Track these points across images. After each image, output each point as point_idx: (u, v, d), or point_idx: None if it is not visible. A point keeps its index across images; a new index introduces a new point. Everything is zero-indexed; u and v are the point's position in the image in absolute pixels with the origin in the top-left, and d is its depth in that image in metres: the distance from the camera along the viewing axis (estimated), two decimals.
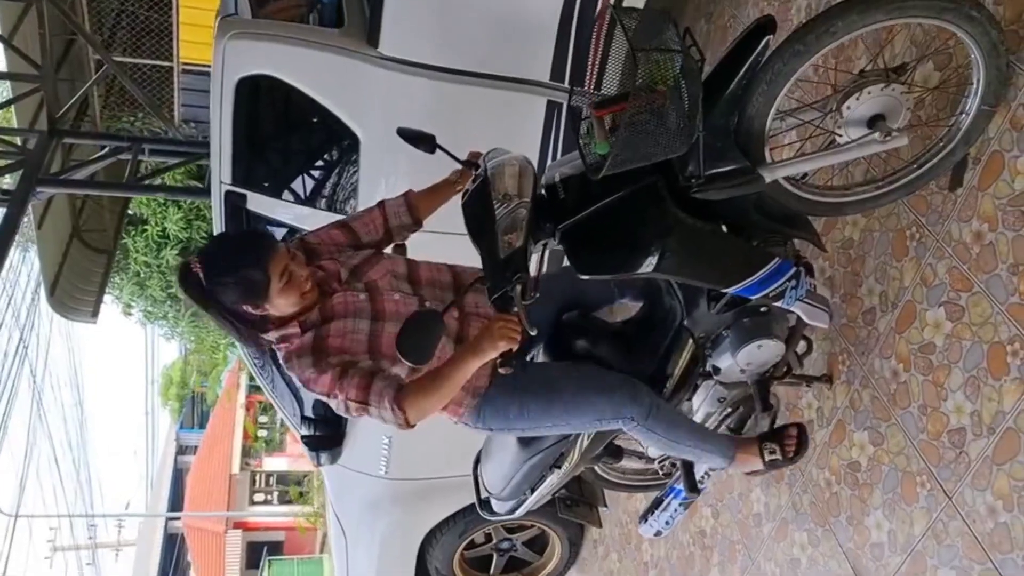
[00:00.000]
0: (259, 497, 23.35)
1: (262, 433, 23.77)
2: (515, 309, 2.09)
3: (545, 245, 2.36)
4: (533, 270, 2.21)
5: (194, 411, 27.58)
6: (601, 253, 2.28)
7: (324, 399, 2.18)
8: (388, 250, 2.50)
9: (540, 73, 3.44)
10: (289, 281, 2.12)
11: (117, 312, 11.87)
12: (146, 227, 9.93)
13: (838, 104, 2.22)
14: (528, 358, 2.75)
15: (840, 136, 2.25)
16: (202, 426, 26.33)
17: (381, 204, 2.46)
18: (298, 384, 2.23)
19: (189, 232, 9.88)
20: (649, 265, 2.22)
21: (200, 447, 24.11)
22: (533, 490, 2.96)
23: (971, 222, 2.39)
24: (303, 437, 4.44)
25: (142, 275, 10.49)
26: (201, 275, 2.10)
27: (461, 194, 2.39)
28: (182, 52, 8.29)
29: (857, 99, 2.18)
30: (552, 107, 3.49)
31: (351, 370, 2.11)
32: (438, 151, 2.41)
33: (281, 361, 2.25)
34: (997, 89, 2.21)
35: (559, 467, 2.85)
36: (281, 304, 2.15)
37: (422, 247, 2.55)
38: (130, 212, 9.42)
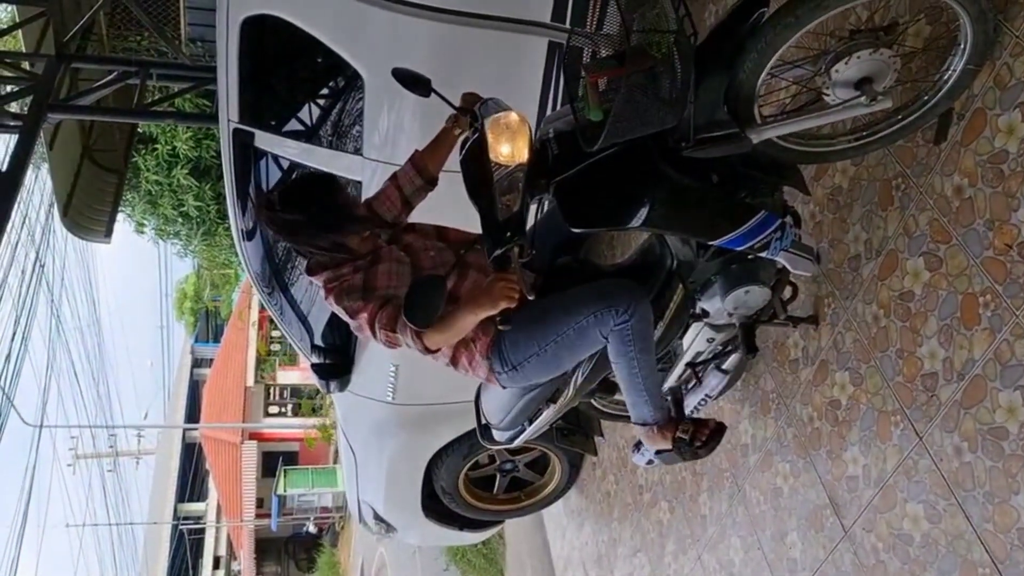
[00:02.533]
0: (273, 409, 23.93)
1: (275, 347, 24.16)
2: (513, 267, 2.22)
3: (540, 200, 2.46)
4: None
5: (208, 325, 28.01)
6: (593, 207, 2.37)
7: (363, 327, 2.41)
8: None
9: (541, 13, 3.46)
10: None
11: (130, 230, 12.00)
12: (156, 146, 9.95)
13: (827, 66, 2.27)
14: None
15: (828, 96, 2.31)
16: (216, 339, 26.80)
17: (394, 177, 2.60)
18: (343, 315, 2.47)
19: (199, 151, 9.90)
20: (639, 219, 2.32)
21: (215, 360, 24.57)
22: (531, 422, 3.12)
23: (953, 176, 2.47)
24: (313, 365, 4.61)
25: (153, 193, 10.55)
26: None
27: (459, 147, 2.48)
28: None
29: (846, 63, 2.23)
30: (554, 49, 3.52)
31: (389, 303, 2.35)
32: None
33: (331, 299, 2.47)
34: (983, 51, 2.26)
35: (554, 402, 3.00)
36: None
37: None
38: (140, 131, 9.44)
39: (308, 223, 2.38)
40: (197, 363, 27.66)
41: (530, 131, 2.32)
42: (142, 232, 12.01)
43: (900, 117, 2.48)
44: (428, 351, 2.35)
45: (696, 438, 2.62)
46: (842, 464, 2.95)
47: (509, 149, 2.29)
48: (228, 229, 11.43)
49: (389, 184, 2.62)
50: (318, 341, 4.52)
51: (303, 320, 4.50)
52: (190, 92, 7.41)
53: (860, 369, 2.86)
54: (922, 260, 2.58)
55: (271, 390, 24.10)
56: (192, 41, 8.89)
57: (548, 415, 3.07)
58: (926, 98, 2.42)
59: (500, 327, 2.26)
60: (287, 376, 24.00)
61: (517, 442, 3.26)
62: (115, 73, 6.60)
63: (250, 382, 22.91)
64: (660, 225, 2.39)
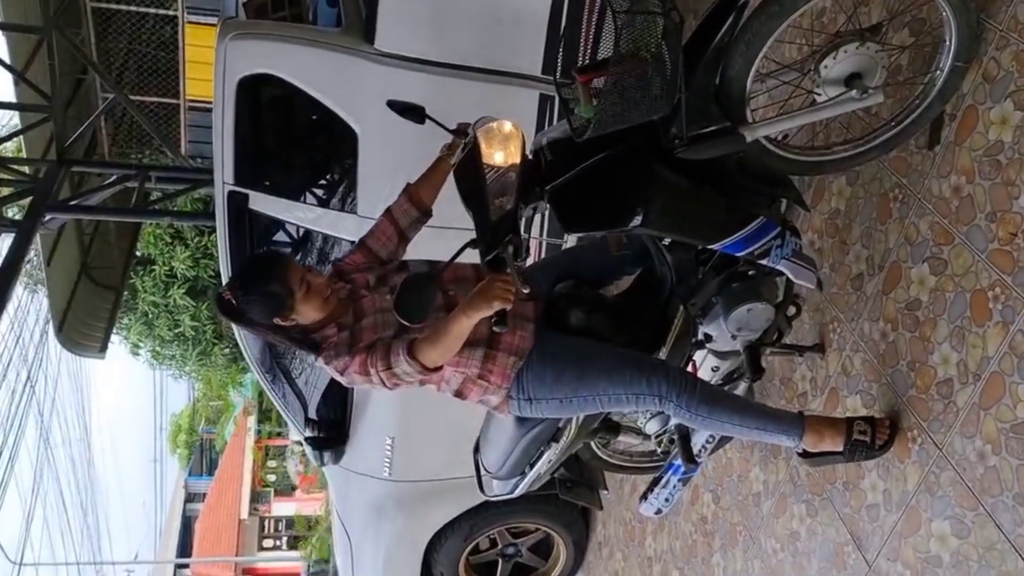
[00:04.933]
0: (268, 543, 23.23)
1: (271, 478, 23.74)
2: (508, 270, 2.17)
3: (535, 208, 2.43)
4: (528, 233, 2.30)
5: (203, 458, 27.51)
6: (589, 211, 2.35)
7: (356, 380, 2.35)
8: None
9: (532, 67, 3.55)
10: (309, 289, 2.30)
11: (125, 352, 11.96)
12: (154, 267, 10.02)
13: (816, 64, 2.29)
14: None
15: (819, 95, 2.33)
16: (211, 473, 26.22)
17: (388, 211, 2.57)
18: (336, 376, 2.40)
19: (196, 271, 9.97)
20: (635, 221, 2.28)
21: (209, 493, 24.01)
22: (532, 466, 2.99)
23: (950, 177, 2.45)
24: (307, 438, 4.48)
25: (150, 315, 10.57)
26: (233, 300, 2.30)
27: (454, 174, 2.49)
28: (188, 89, 8.49)
29: (834, 58, 2.25)
30: (545, 100, 3.59)
31: (377, 345, 2.29)
32: (428, 122, 2.52)
33: (319, 361, 2.41)
34: (969, 46, 2.29)
35: (556, 441, 2.88)
36: (306, 311, 2.33)
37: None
38: (138, 253, 9.54)
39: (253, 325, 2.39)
40: (190, 498, 26.90)
41: (523, 136, 2.33)
42: (137, 354, 11.97)
43: (894, 123, 2.49)
44: (427, 371, 2.25)
45: (877, 437, 2.57)
46: (860, 493, 2.81)
47: (502, 154, 2.31)
48: (224, 350, 11.42)
49: (383, 219, 2.58)
50: (312, 414, 4.40)
51: (298, 394, 4.41)
52: (187, 193, 7.52)
53: (872, 390, 2.76)
54: (926, 266, 2.54)
55: (266, 523, 23.46)
56: (192, 158, 9.12)
57: (549, 458, 2.95)
58: (918, 100, 2.43)
59: (495, 328, 2.19)
60: (282, 508, 23.41)
61: (519, 490, 3.12)
62: (115, 176, 6.72)
63: (244, 515, 22.31)
64: (658, 227, 2.35)
